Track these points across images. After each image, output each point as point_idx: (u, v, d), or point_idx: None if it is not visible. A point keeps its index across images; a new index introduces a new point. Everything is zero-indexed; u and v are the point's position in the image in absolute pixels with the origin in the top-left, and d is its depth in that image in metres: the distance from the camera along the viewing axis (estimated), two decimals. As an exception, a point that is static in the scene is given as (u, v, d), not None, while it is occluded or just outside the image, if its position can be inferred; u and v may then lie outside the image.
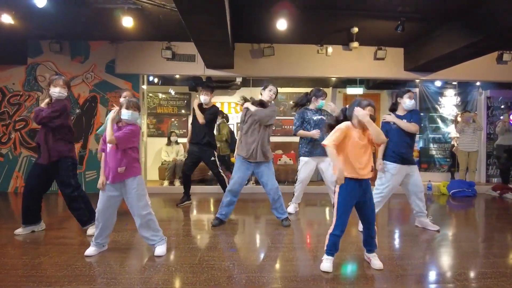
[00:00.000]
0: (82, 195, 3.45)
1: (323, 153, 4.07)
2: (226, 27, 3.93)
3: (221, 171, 4.88)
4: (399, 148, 3.53)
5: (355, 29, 5.29)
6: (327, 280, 2.44)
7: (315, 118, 4.29)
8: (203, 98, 4.76)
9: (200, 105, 4.82)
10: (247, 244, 3.42)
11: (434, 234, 3.62)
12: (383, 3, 4.46)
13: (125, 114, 2.75)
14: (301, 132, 4.29)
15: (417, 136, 7.12)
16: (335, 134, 2.50)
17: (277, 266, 2.76)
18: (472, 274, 2.61)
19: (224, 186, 4.65)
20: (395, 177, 3.55)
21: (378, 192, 3.59)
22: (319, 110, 4.37)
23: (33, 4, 4.04)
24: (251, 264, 2.76)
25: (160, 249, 2.89)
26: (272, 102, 3.93)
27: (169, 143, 7.27)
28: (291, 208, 4.53)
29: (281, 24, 4.76)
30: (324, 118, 4.28)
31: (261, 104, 3.83)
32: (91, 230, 3.34)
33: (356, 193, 2.53)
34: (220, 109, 5.76)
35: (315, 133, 4.19)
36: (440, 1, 4.32)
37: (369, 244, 2.67)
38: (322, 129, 3.98)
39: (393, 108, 3.76)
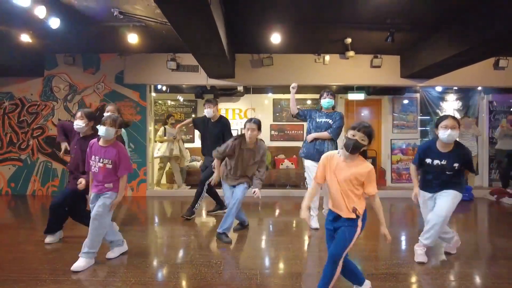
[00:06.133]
0: None
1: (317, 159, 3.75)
2: (220, 41, 4.23)
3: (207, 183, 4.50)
4: None
5: (349, 40, 5.52)
6: (300, 277, 2.68)
7: (318, 120, 4.13)
8: (206, 111, 4.63)
9: (204, 118, 4.77)
10: (239, 245, 3.70)
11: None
12: (372, 15, 4.67)
13: (101, 130, 2.80)
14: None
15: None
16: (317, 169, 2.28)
17: (260, 263, 3.03)
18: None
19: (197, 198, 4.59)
20: None
21: None
22: (328, 114, 4.15)
23: (49, 25, 4.46)
24: (237, 262, 3.04)
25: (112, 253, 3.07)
26: (259, 141, 3.79)
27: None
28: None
29: (275, 38, 5.05)
30: (330, 122, 4.06)
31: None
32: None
33: (331, 222, 2.24)
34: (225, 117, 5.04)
35: (309, 136, 4.13)
36: (425, 12, 4.52)
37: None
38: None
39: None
